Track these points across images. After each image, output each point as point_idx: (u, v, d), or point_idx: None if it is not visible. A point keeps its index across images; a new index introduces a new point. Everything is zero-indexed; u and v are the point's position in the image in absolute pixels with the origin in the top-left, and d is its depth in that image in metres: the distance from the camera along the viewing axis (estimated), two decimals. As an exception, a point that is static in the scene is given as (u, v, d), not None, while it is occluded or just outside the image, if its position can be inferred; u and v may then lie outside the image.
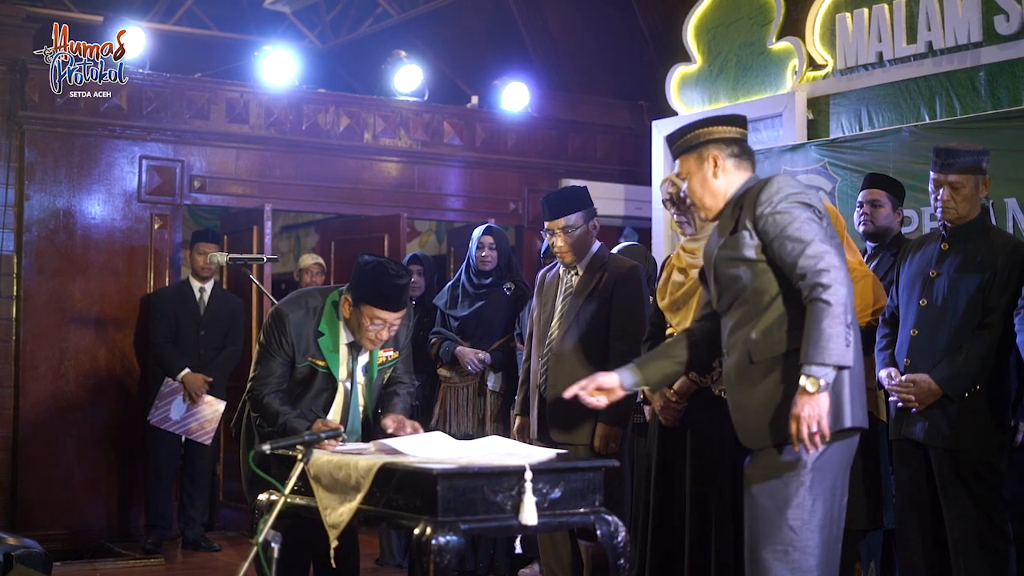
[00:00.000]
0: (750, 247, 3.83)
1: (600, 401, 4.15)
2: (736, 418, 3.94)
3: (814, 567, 3.77)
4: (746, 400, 3.88)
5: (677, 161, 4.09)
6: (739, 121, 4.09)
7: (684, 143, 4.04)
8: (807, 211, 3.79)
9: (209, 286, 8.20)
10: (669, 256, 5.08)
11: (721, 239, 3.94)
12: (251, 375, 4.85)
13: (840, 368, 3.64)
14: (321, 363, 4.81)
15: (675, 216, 4.97)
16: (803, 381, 3.62)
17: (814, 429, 3.62)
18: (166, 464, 8.05)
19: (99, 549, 7.86)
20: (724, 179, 3.98)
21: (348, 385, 4.88)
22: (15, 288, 8.07)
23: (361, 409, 4.93)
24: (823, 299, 3.63)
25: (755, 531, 3.82)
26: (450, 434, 4.89)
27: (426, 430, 6.19)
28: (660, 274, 5.13)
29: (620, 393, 4.16)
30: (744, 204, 3.89)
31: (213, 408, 8.02)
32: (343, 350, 4.84)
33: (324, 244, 9.69)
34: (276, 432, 4.68)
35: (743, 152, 4.02)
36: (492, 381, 6.83)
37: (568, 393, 4.18)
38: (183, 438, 8.06)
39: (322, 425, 4.61)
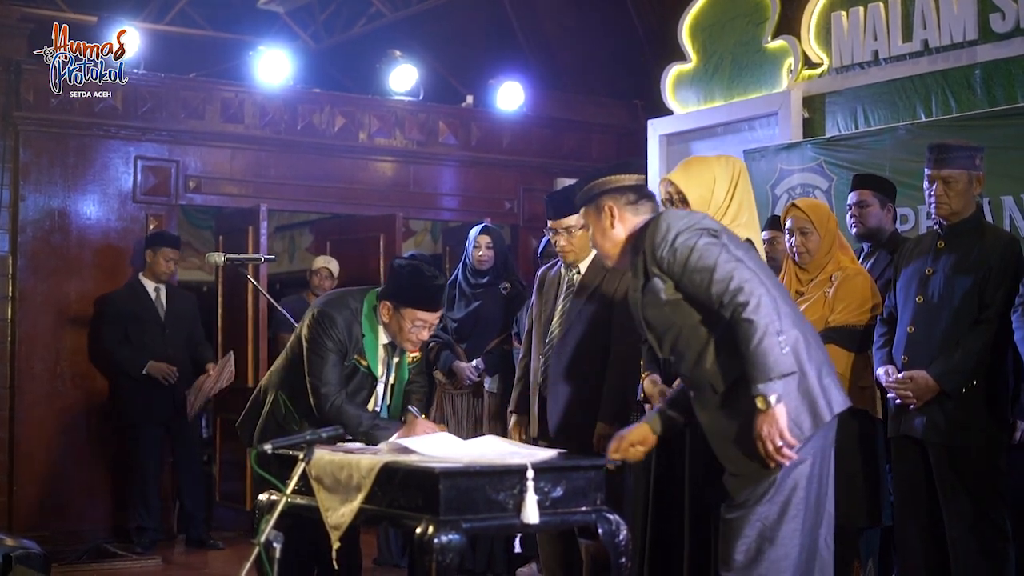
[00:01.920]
0: (662, 290, 3.87)
1: (638, 452, 4.19)
2: (719, 448, 3.94)
3: (797, 552, 3.81)
4: (724, 429, 3.89)
5: (580, 213, 4.20)
6: (634, 167, 4.16)
7: (582, 196, 4.11)
8: (702, 237, 3.82)
9: (164, 286, 8.17)
10: None
11: (638, 291, 3.97)
12: (311, 385, 4.82)
13: (785, 376, 3.66)
14: (365, 363, 4.87)
15: None
16: (756, 401, 3.67)
17: (778, 444, 3.66)
18: (151, 465, 8.03)
19: (97, 550, 7.85)
20: (622, 227, 4.02)
21: (382, 385, 4.93)
22: (10, 289, 8.06)
23: (388, 409, 4.98)
24: (745, 318, 3.66)
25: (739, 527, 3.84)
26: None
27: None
28: None
29: (653, 440, 4.20)
30: (644, 252, 3.91)
31: (227, 368, 8.07)
32: (381, 351, 4.90)
33: (320, 244, 9.69)
34: (360, 438, 4.70)
35: (640, 197, 4.06)
36: (489, 382, 6.84)
37: (611, 457, 4.19)
38: (169, 434, 8.10)
39: (424, 421, 4.76)
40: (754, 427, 3.68)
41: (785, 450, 3.67)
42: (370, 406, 4.92)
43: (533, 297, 5.70)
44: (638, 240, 3.95)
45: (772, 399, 3.64)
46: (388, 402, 4.98)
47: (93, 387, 8.24)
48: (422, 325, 4.77)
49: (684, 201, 4.47)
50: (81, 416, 8.19)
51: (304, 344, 4.88)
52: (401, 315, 4.75)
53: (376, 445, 4.60)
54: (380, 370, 4.91)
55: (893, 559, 5.47)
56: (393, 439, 4.57)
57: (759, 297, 3.68)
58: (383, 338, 4.88)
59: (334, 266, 8.69)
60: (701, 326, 3.85)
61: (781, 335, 3.67)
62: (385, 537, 7.33)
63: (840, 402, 3.87)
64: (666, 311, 3.89)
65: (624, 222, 4.02)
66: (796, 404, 3.74)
